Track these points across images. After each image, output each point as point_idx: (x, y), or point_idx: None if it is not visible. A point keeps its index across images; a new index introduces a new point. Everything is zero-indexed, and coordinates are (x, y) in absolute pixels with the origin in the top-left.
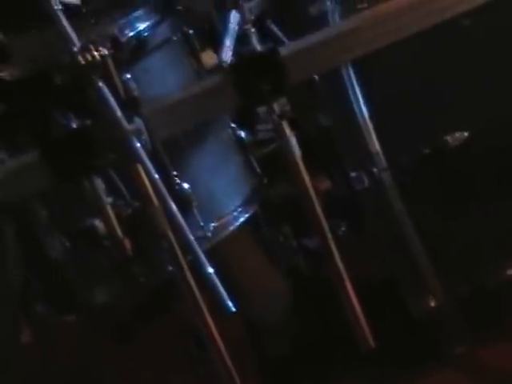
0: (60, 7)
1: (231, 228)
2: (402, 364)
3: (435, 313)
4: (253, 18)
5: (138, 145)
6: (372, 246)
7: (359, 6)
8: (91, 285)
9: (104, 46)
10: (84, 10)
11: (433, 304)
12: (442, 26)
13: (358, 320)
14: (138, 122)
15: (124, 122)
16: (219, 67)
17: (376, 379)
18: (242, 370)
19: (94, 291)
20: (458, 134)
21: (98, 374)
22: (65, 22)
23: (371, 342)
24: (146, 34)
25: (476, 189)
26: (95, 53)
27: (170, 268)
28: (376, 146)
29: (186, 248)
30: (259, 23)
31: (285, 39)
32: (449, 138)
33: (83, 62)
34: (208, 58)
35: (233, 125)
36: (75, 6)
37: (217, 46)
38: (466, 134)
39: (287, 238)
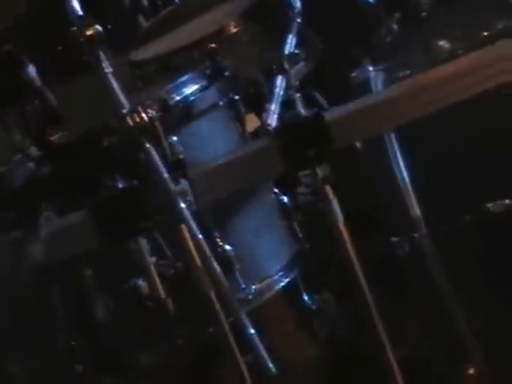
0: (110, 70)
1: (272, 291)
2: None
3: (476, 381)
4: (297, 83)
5: (183, 206)
6: (412, 313)
7: (401, 74)
8: (135, 346)
9: (152, 109)
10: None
11: (472, 372)
12: (484, 95)
13: None
14: (184, 183)
15: (170, 184)
16: (265, 131)
17: None
18: None
19: (137, 352)
20: (499, 202)
21: None
22: (115, 85)
23: None
24: (192, 98)
25: None
26: (144, 115)
27: (211, 329)
28: (417, 212)
29: (228, 309)
30: (301, 89)
31: (327, 105)
32: (490, 206)
33: (132, 124)
34: (250, 121)
35: (275, 189)
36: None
37: (260, 110)
38: (507, 201)
39: (327, 303)
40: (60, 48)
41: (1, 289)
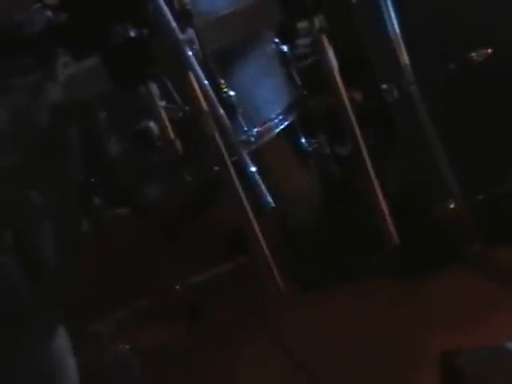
0: None
1: (272, 133)
2: (424, 261)
3: (455, 215)
4: None
5: (190, 54)
6: (400, 154)
7: None
8: (144, 181)
9: None
10: None
11: (452, 206)
12: None
13: (385, 219)
14: (191, 32)
15: (178, 32)
16: None
17: (399, 275)
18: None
19: (146, 187)
20: (482, 51)
21: (146, 263)
22: None
23: (396, 239)
24: None
25: (499, 102)
26: None
27: (216, 168)
28: (406, 60)
29: (232, 149)
30: None
31: None
32: (474, 55)
33: None
34: None
35: (276, 39)
36: None
37: None
38: (489, 50)
39: (322, 145)
40: None
41: (21, 127)
